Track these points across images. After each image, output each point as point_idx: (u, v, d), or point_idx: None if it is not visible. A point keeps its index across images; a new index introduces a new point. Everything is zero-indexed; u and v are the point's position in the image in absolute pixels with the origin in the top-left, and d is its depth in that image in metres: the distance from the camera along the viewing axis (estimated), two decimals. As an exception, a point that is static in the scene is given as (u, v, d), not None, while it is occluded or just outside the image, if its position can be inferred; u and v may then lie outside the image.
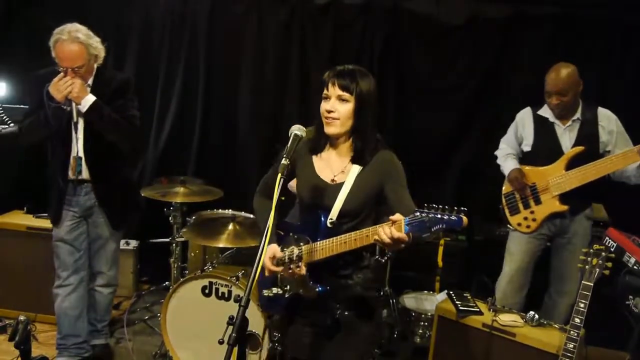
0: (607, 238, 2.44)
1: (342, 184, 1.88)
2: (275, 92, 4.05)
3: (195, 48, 4.08)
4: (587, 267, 2.35)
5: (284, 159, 1.72)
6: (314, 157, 1.96)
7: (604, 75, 3.64)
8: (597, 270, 2.32)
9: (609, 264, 2.33)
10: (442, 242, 3.53)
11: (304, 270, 1.84)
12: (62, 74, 2.61)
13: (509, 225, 3.16)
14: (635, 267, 2.33)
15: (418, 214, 1.57)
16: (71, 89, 2.59)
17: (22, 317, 2.40)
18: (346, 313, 1.94)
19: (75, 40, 2.62)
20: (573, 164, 2.91)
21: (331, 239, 1.80)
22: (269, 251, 1.93)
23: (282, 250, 1.94)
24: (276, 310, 2.16)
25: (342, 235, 1.77)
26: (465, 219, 1.54)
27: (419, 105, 3.96)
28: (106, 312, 3.14)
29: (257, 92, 4.08)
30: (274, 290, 1.97)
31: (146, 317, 3.64)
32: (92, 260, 3.00)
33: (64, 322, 2.92)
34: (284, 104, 4.07)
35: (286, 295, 1.96)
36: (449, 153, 3.97)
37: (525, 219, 3.06)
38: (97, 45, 2.73)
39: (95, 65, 2.77)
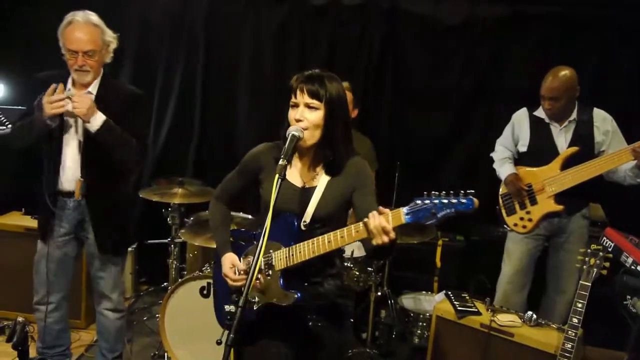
0: (604, 238, 2.44)
1: (313, 188, 1.81)
2: (274, 93, 4.05)
3: (193, 49, 4.07)
4: (584, 267, 2.36)
5: (281, 159, 1.64)
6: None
7: (603, 75, 3.63)
8: (595, 270, 2.33)
9: (607, 264, 2.33)
10: (440, 242, 3.54)
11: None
12: (53, 85, 2.35)
13: (505, 226, 3.17)
14: (632, 267, 2.33)
15: (419, 201, 1.51)
16: (79, 108, 2.33)
17: (20, 319, 2.40)
18: (319, 323, 1.87)
19: (90, 22, 2.44)
20: (568, 164, 2.92)
21: (313, 240, 1.70)
22: (228, 261, 1.89)
23: (245, 258, 1.88)
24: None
25: (330, 234, 1.66)
26: (476, 200, 1.46)
27: (416, 105, 3.95)
28: (117, 341, 2.87)
29: (255, 93, 4.07)
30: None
31: (145, 318, 3.65)
32: (94, 282, 2.76)
33: (46, 334, 2.77)
34: (283, 105, 4.05)
35: (254, 308, 1.82)
36: (446, 153, 3.97)
37: (522, 219, 3.07)
38: (110, 33, 2.53)
39: (105, 61, 2.54)
